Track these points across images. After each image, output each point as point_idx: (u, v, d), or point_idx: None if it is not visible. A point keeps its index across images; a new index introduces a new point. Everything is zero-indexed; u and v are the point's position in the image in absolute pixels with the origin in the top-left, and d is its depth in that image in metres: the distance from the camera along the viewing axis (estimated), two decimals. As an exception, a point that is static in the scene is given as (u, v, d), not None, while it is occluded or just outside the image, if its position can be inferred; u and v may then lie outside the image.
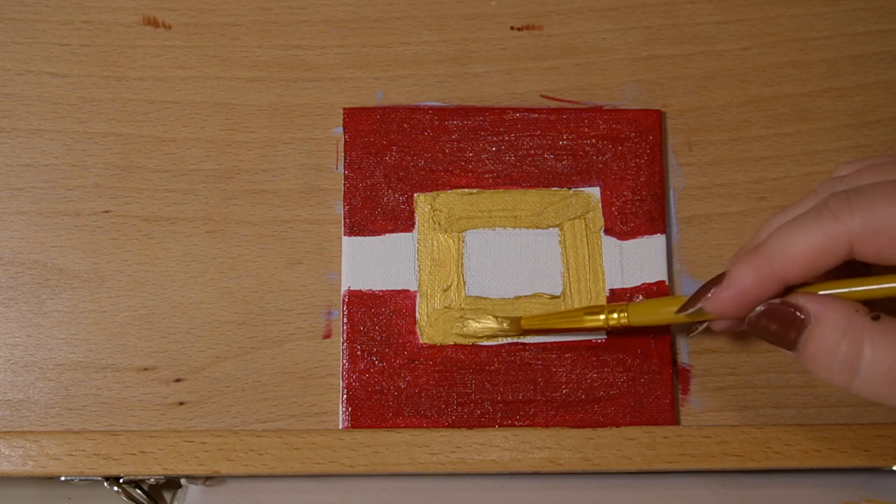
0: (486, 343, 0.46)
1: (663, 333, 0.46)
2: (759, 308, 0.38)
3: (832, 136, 0.49)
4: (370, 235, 0.47)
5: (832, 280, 0.37)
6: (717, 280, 0.39)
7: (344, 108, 0.48)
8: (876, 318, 0.36)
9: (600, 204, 0.47)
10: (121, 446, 0.44)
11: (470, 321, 0.46)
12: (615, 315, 0.43)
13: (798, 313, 0.37)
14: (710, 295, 0.39)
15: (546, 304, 0.46)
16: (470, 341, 0.46)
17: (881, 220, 0.35)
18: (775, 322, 0.37)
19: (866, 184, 0.36)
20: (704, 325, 0.45)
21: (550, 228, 0.47)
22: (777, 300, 0.37)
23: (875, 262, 0.36)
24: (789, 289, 0.37)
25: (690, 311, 0.40)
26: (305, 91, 0.48)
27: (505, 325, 0.46)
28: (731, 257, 0.40)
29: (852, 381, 0.35)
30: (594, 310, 0.44)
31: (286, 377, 0.46)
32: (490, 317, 0.46)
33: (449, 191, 0.47)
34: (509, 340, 0.46)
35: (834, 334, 0.36)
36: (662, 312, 0.42)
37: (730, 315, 0.39)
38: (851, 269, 0.38)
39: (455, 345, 0.46)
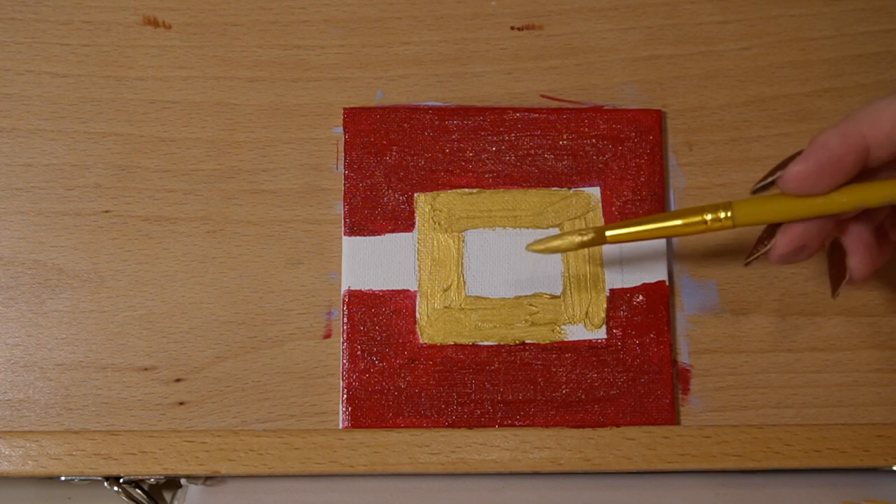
0: (486, 344, 0.46)
1: (663, 333, 0.46)
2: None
3: (832, 136, 0.49)
4: (370, 235, 0.47)
5: None
6: (794, 156, 0.38)
7: (344, 108, 0.48)
8: None
9: (600, 204, 0.47)
10: (121, 446, 0.44)
11: (550, 240, 0.42)
12: (718, 215, 0.40)
13: None
14: (789, 165, 0.37)
15: (546, 303, 0.46)
16: (549, 252, 0.43)
17: None
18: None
19: None
20: (764, 251, 0.41)
21: (550, 228, 0.47)
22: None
23: None
24: (867, 167, 0.37)
25: (765, 183, 0.39)
26: (305, 91, 0.48)
27: (584, 240, 0.42)
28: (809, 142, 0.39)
29: None
30: (691, 212, 0.40)
31: (286, 377, 0.46)
32: (572, 233, 0.42)
33: (449, 191, 0.47)
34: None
35: None
36: (771, 208, 0.39)
37: (808, 189, 0.37)
38: None
39: (455, 345, 0.46)
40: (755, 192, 0.40)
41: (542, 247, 0.42)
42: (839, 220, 0.39)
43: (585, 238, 0.42)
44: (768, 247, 0.40)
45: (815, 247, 0.39)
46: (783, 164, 0.38)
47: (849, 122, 0.37)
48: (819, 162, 0.37)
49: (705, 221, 0.40)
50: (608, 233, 0.41)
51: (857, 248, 0.40)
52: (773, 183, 0.39)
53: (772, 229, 0.40)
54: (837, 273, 0.41)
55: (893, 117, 0.37)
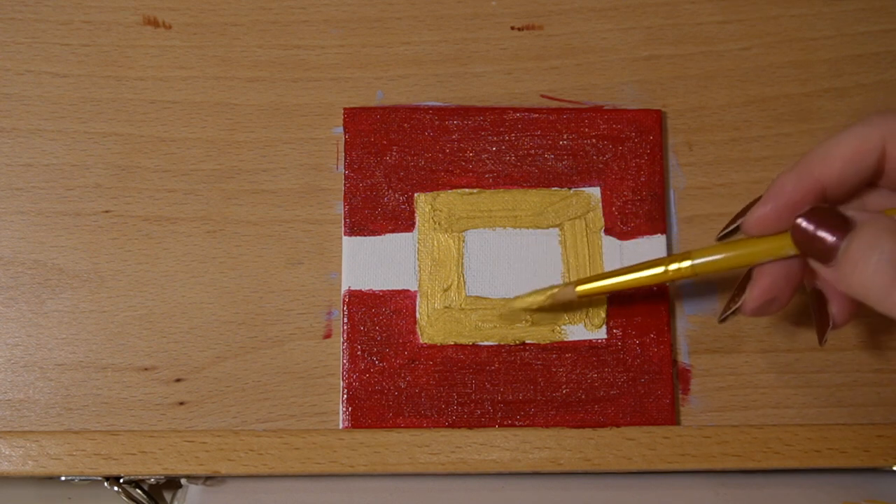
0: (486, 344, 0.46)
1: (664, 333, 0.46)
2: (806, 209, 0.38)
3: (832, 136, 0.49)
4: (370, 235, 0.47)
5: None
6: (753, 202, 0.39)
7: (344, 108, 0.48)
8: None
9: (600, 204, 0.47)
10: (121, 446, 0.44)
11: (515, 301, 0.45)
12: (677, 265, 0.42)
13: (844, 216, 0.37)
14: (749, 213, 0.39)
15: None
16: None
17: None
18: (821, 223, 0.37)
19: None
20: (735, 308, 0.43)
21: (550, 228, 0.47)
22: (825, 205, 0.38)
23: None
24: (826, 199, 0.38)
25: (728, 230, 0.40)
26: (305, 91, 0.48)
27: (557, 293, 0.44)
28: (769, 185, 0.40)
29: (892, 286, 0.35)
30: (654, 264, 0.42)
31: (286, 377, 0.46)
32: (539, 293, 0.45)
33: (449, 191, 0.47)
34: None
35: (881, 234, 0.36)
36: (730, 257, 0.41)
37: (769, 230, 0.39)
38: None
39: (455, 345, 0.46)
40: (720, 239, 0.41)
41: (522, 304, 0.45)
42: (810, 268, 0.40)
43: (556, 292, 0.44)
44: (739, 303, 0.42)
45: (786, 298, 0.41)
46: (745, 211, 0.40)
47: (803, 164, 0.38)
48: (777, 206, 0.38)
49: (667, 272, 0.42)
50: (578, 288, 0.44)
51: (835, 295, 0.41)
52: (737, 229, 0.40)
53: (743, 284, 0.42)
54: (821, 320, 0.42)
55: (843, 157, 0.38)
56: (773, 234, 0.39)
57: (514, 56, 0.49)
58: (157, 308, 0.46)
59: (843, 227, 0.37)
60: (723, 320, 0.43)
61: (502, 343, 0.46)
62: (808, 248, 0.38)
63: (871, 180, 0.39)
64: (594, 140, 0.48)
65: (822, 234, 0.37)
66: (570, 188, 0.48)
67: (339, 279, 0.46)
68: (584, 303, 0.46)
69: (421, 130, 0.48)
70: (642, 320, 0.46)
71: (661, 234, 0.47)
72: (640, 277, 0.43)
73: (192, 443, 0.44)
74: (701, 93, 0.49)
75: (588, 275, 0.47)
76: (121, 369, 0.45)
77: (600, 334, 0.46)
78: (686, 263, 0.41)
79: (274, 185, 0.47)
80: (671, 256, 0.42)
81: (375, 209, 0.47)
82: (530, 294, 0.45)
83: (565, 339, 0.46)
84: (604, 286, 0.44)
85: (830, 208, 0.38)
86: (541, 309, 0.46)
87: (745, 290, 0.41)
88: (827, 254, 0.37)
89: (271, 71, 0.48)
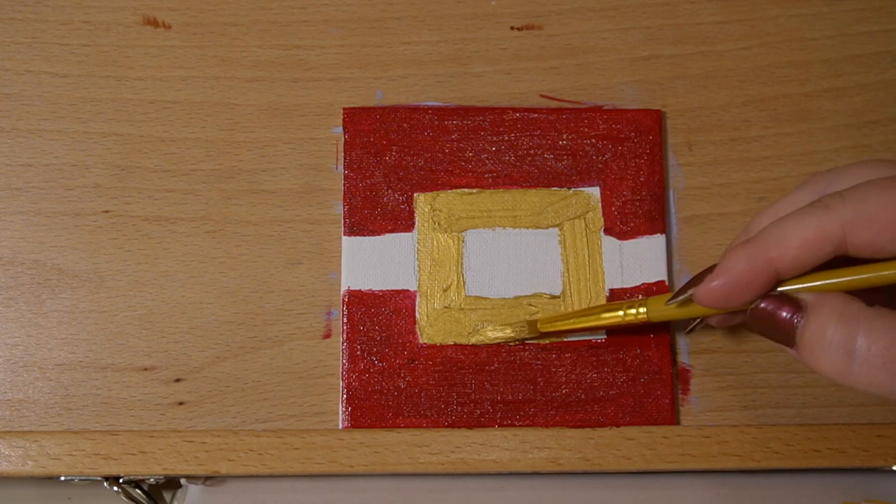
0: (486, 344, 0.46)
1: (663, 333, 0.46)
2: (760, 301, 0.38)
3: (832, 136, 0.49)
4: (370, 235, 0.47)
5: (823, 271, 0.37)
6: (708, 270, 0.39)
7: (344, 108, 0.48)
8: (870, 306, 0.36)
9: (600, 204, 0.47)
10: (121, 446, 0.44)
11: (487, 329, 0.46)
12: (633, 311, 0.43)
13: (795, 303, 0.37)
14: (700, 284, 0.38)
15: (546, 303, 0.46)
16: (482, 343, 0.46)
17: (873, 207, 0.35)
18: (775, 313, 0.37)
19: (855, 184, 0.37)
20: (701, 320, 0.45)
21: (550, 228, 0.47)
22: (776, 292, 0.37)
23: (870, 255, 0.36)
24: (780, 282, 0.38)
25: (680, 299, 0.40)
26: (305, 91, 0.48)
27: (522, 331, 0.45)
28: (723, 253, 0.40)
29: (850, 370, 0.35)
30: (611, 307, 0.44)
31: (286, 377, 0.46)
32: (506, 326, 0.46)
33: (449, 191, 0.47)
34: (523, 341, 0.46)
35: (829, 321, 0.36)
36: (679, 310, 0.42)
37: (720, 305, 0.38)
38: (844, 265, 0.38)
39: (455, 345, 0.46)
40: (671, 302, 0.41)
41: (493, 336, 0.46)
42: None
43: (522, 331, 0.46)
44: (702, 320, 0.44)
45: (734, 307, 0.40)
46: (697, 280, 0.39)
47: (756, 245, 0.37)
48: (727, 283, 0.38)
49: (622, 315, 0.43)
50: (540, 326, 0.45)
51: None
52: (688, 298, 0.40)
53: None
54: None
55: (799, 245, 0.36)
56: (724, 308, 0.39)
57: (514, 56, 0.49)
58: (156, 308, 0.46)
59: (795, 313, 0.37)
60: (690, 331, 0.46)
61: (502, 343, 0.46)
62: (769, 333, 0.38)
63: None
64: (594, 140, 0.48)
65: (778, 322, 0.37)
66: (569, 188, 0.48)
67: (339, 279, 0.46)
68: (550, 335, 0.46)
69: (420, 130, 0.48)
70: (642, 320, 0.46)
71: (661, 233, 0.47)
72: (600, 319, 0.44)
73: (191, 443, 0.44)
74: (700, 93, 0.49)
75: (587, 275, 0.47)
76: (120, 369, 0.45)
77: (600, 334, 0.46)
78: (640, 310, 0.43)
79: (274, 185, 0.47)
80: (628, 301, 0.44)
81: (375, 209, 0.47)
82: (500, 327, 0.46)
83: (565, 339, 0.46)
84: (563, 327, 0.45)
85: (782, 296, 0.37)
86: (507, 341, 0.46)
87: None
88: (789, 340, 0.37)
89: (271, 71, 0.48)
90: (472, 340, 0.46)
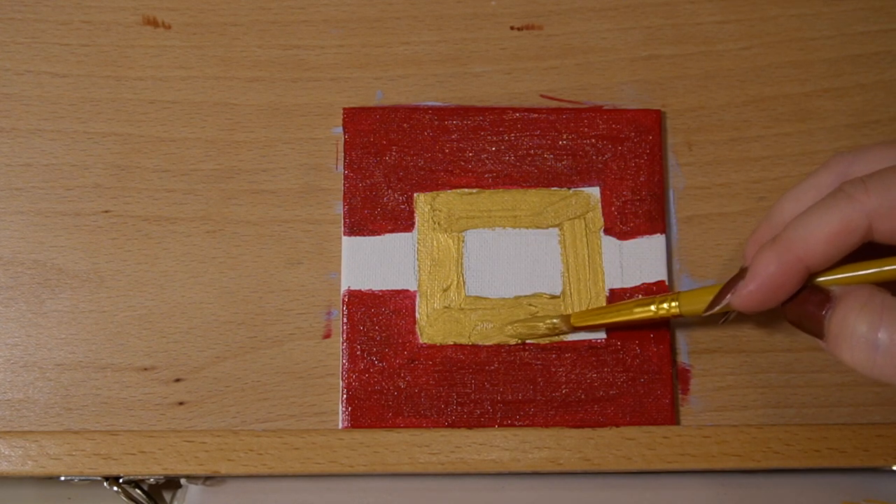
0: (487, 344, 0.46)
1: (663, 333, 0.46)
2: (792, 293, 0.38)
3: (832, 136, 0.49)
4: (370, 235, 0.47)
5: (854, 263, 0.38)
6: (740, 275, 0.39)
7: (344, 108, 0.48)
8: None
9: (600, 204, 0.47)
10: (120, 446, 0.44)
11: (518, 326, 0.46)
12: (665, 306, 0.43)
13: (825, 295, 0.37)
14: (735, 290, 0.39)
15: (546, 303, 0.46)
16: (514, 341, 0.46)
17: None
18: (805, 306, 0.38)
19: (878, 169, 0.37)
20: (734, 313, 0.44)
21: (550, 228, 0.47)
22: (809, 284, 0.38)
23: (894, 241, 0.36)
24: (812, 275, 0.38)
25: (718, 308, 0.40)
26: (305, 91, 0.48)
27: (556, 324, 0.45)
28: (747, 247, 0.41)
29: (874, 361, 0.36)
30: (643, 302, 0.44)
31: (286, 377, 0.46)
32: (538, 321, 0.46)
33: (449, 191, 0.47)
34: (558, 339, 0.46)
35: (852, 312, 0.36)
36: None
37: (758, 309, 0.39)
38: (871, 253, 0.38)
39: (455, 345, 0.46)
40: (706, 312, 0.41)
41: (520, 330, 0.46)
42: None
43: (556, 325, 0.46)
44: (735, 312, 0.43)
45: (771, 306, 0.40)
46: (731, 286, 0.39)
47: (783, 244, 0.38)
48: (761, 287, 0.38)
49: (654, 310, 0.43)
50: (573, 321, 0.45)
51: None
52: (726, 306, 0.40)
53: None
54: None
55: (825, 239, 0.37)
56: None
57: (514, 56, 0.49)
58: (156, 308, 0.46)
59: (823, 306, 0.37)
60: (717, 319, 0.45)
61: (502, 343, 0.46)
62: (804, 327, 0.38)
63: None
64: (593, 140, 0.48)
65: (811, 314, 0.38)
66: (569, 188, 0.48)
67: (339, 279, 0.46)
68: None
69: (420, 130, 0.48)
70: (642, 320, 0.46)
71: (661, 233, 0.47)
72: (632, 314, 0.44)
73: (191, 443, 0.44)
74: (700, 93, 0.49)
75: (587, 275, 0.47)
76: (120, 369, 0.45)
77: (600, 334, 0.46)
78: (672, 304, 0.43)
79: (273, 185, 0.47)
80: (661, 296, 0.43)
81: (375, 209, 0.47)
82: (528, 320, 0.46)
83: (565, 339, 0.46)
84: (596, 322, 0.45)
85: (810, 292, 0.38)
86: (539, 339, 0.46)
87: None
88: (818, 332, 0.38)
89: (271, 71, 0.48)
90: (508, 332, 0.46)
